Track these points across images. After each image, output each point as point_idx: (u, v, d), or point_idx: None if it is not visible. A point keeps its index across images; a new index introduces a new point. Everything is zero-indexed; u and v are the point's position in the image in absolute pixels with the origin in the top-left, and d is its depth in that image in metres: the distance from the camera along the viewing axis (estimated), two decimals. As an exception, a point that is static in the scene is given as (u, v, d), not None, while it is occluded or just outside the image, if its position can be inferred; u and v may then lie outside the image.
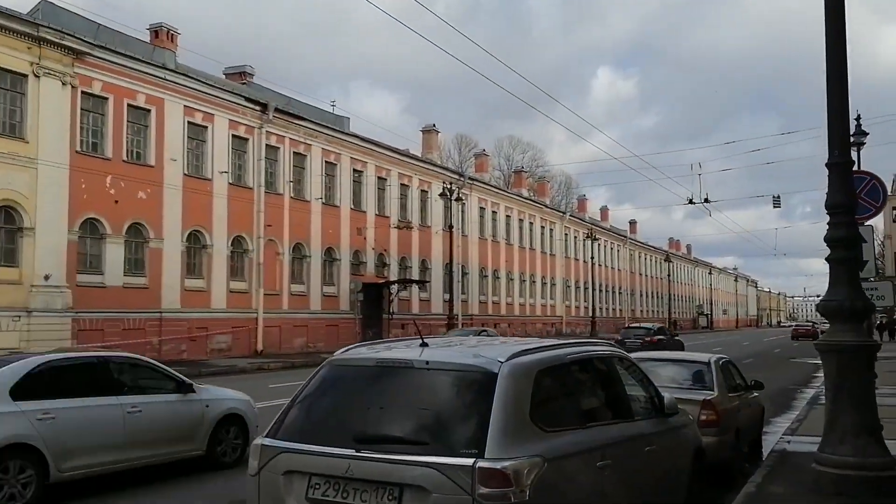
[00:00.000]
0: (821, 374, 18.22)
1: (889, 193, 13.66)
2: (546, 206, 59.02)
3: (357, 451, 3.94)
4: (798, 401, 15.36)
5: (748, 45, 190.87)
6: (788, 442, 9.61)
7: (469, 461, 3.74)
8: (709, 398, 8.07)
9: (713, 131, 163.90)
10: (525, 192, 57.62)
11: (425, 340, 4.70)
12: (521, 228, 53.46)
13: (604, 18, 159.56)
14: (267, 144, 30.67)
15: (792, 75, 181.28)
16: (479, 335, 9.23)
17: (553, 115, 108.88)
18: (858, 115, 16.38)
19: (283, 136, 31.63)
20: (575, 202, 72.12)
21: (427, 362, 4.28)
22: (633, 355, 10.07)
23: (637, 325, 36.14)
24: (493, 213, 49.62)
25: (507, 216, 51.57)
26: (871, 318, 9.25)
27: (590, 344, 5.50)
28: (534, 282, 55.08)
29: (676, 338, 33.66)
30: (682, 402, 7.26)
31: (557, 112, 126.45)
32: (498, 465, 3.73)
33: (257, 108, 30.12)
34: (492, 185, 52.16)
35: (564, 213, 62.20)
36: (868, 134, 17.21)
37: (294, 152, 32.31)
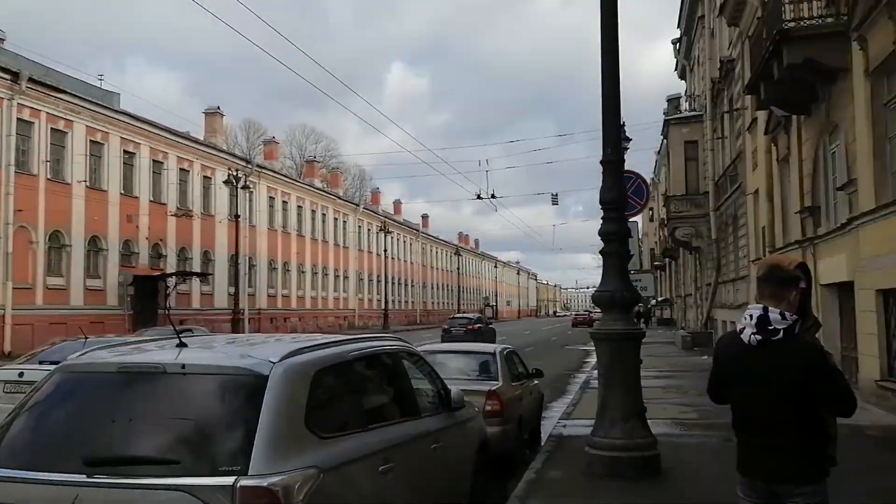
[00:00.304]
0: (591, 359, 19.80)
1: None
2: (339, 198, 58.40)
3: (88, 476, 3.23)
4: (572, 385, 16.35)
5: (532, 53, 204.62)
6: (564, 426, 10.05)
7: (229, 480, 3.19)
8: (494, 388, 8.15)
9: (499, 131, 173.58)
10: (318, 183, 56.51)
11: (183, 340, 4.03)
12: (313, 220, 52.36)
13: (398, 14, 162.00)
14: (18, 118, 26.76)
15: (569, 83, 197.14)
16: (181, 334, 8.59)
17: (348, 106, 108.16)
18: (623, 123, 17.80)
19: (39, 111, 27.86)
20: (368, 195, 72.25)
21: (183, 366, 3.65)
22: (422, 348, 10.10)
23: (461, 315, 39.37)
24: (284, 203, 48.05)
25: (299, 207, 50.23)
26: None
27: (375, 339, 5.14)
28: (326, 274, 54.26)
29: (490, 325, 37.28)
30: (468, 393, 7.25)
31: (352, 103, 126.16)
32: (264, 483, 3.23)
33: (7, 77, 26.19)
34: (282, 175, 50.47)
35: (358, 205, 62.02)
36: (631, 140, 18.86)
37: (52, 129, 28.58)
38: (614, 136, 7.50)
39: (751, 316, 3.13)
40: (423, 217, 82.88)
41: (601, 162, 7.54)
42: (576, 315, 77.36)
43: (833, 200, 13.06)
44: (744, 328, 3.15)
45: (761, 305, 3.13)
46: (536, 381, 10.19)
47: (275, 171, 48.10)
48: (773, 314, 3.07)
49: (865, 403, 8.70)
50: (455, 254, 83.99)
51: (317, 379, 3.88)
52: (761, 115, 17.08)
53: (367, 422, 4.26)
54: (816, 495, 3.06)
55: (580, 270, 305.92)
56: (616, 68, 7.39)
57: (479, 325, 34.01)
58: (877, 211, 10.26)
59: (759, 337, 3.07)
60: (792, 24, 12.38)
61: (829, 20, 12.08)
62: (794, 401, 3.03)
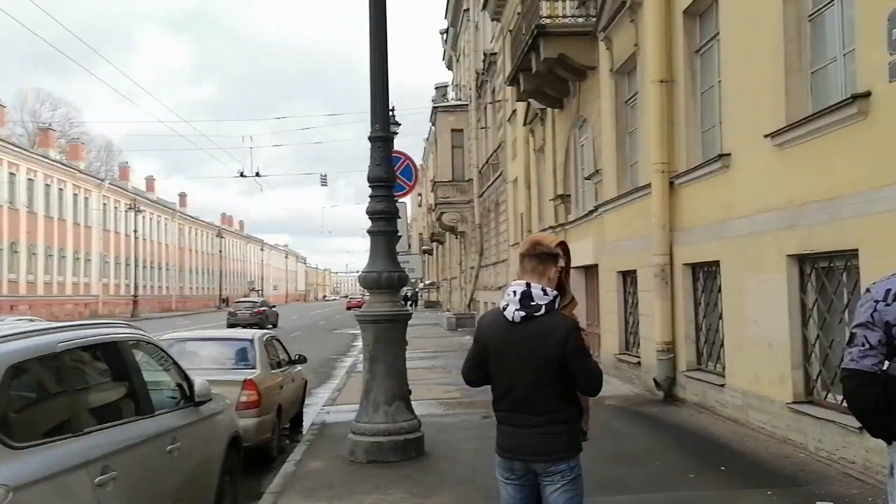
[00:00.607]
0: (360, 342, 19.67)
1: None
2: (81, 172, 52.22)
3: None
4: (339, 370, 16.08)
5: (305, 30, 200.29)
6: (328, 413, 9.72)
7: None
8: (250, 377, 7.60)
9: (269, 108, 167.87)
10: (54, 154, 49.98)
11: None
12: (47, 195, 46.27)
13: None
14: None
15: (342, 63, 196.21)
16: None
17: (95, 72, 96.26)
18: (393, 108, 17.83)
19: None
20: (116, 170, 65.53)
21: None
22: (172, 336, 9.12)
23: (245, 300, 41.93)
24: (11, 175, 41.85)
25: (30, 180, 44.13)
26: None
27: (97, 326, 4.32)
28: (63, 257, 48.31)
29: (273, 308, 39.35)
30: (221, 383, 6.81)
31: (99, 69, 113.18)
32: None
33: None
34: (10, 143, 43.84)
35: (103, 180, 56.02)
36: (400, 125, 18.98)
37: None
38: (383, 112, 7.31)
39: (514, 292, 3.08)
40: (180, 196, 77.31)
41: (369, 138, 7.36)
42: (350, 299, 78.10)
43: (582, 189, 14.15)
44: (507, 305, 3.10)
45: (524, 281, 3.09)
46: (300, 368, 9.77)
47: (1, 140, 41.63)
48: (536, 290, 3.06)
49: (606, 376, 9.38)
50: (217, 236, 79.77)
51: (10, 376, 3.13)
52: (521, 107, 18.06)
53: (81, 425, 3.52)
54: (573, 470, 3.08)
55: (350, 254, 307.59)
56: (384, 41, 7.25)
57: (264, 308, 36.04)
58: (618, 199, 11.21)
59: (522, 313, 3.04)
60: (548, 20, 13.10)
61: (581, 20, 12.97)
62: (555, 376, 3.03)
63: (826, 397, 6.36)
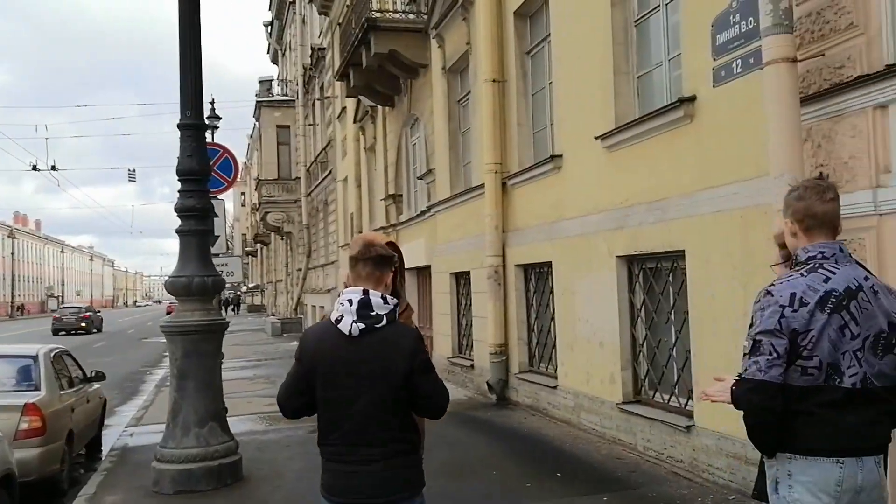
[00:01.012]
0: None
1: (238, 178, 14.01)
2: None
3: None
4: (147, 384, 14.58)
5: (113, 15, 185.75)
6: (132, 435, 8.66)
7: None
8: (32, 401, 6.45)
9: (71, 98, 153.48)
10: None
11: None
12: None
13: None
14: None
15: (155, 52, 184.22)
16: None
17: None
18: (213, 100, 16.59)
19: None
20: None
21: None
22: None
23: (70, 305, 43.57)
24: None
25: None
26: (220, 294, 9.20)
27: None
28: None
29: (98, 313, 39.85)
30: None
31: None
32: None
33: None
34: None
35: None
36: (221, 118, 17.67)
37: None
38: (195, 96, 6.54)
39: (349, 301, 2.57)
40: (-35, 191, 68.44)
41: (179, 125, 6.55)
42: (170, 304, 73.33)
43: (414, 189, 13.87)
44: (341, 316, 2.56)
45: (360, 288, 2.59)
46: (97, 386, 8.55)
47: None
48: (375, 297, 2.58)
49: (440, 381, 9.16)
50: (9, 236, 71.49)
51: None
52: (350, 104, 17.51)
53: None
54: None
55: (166, 256, 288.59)
56: (196, 14, 6.39)
57: (89, 313, 37.02)
58: (451, 200, 11.03)
59: (361, 325, 2.54)
60: (379, 14, 12.70)
61: (412, 16, 12.70)
62: (398, 399, 2.57)
63: (654, 396, 6.47)
